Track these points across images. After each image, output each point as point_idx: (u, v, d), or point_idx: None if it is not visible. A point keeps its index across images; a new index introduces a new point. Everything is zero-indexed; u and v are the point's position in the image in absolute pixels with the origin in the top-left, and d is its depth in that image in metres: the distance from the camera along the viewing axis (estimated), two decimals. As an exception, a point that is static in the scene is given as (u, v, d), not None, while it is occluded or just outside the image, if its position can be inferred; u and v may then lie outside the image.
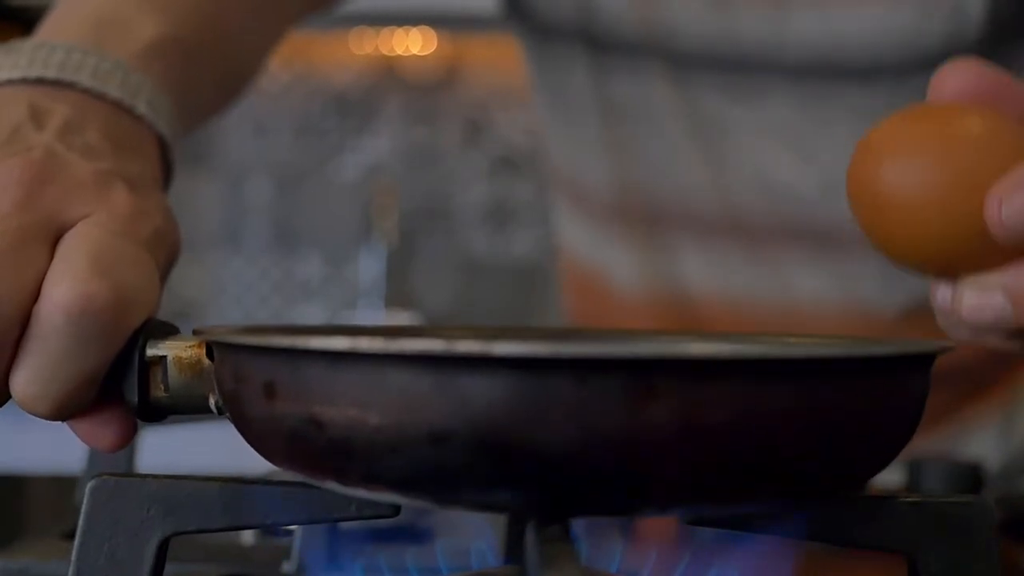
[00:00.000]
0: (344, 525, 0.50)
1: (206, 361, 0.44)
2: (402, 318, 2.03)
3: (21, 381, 0.43)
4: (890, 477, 0.67)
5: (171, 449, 0.87)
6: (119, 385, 0.45)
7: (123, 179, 0.48)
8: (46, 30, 0.56)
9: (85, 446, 0.48)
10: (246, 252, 2.15)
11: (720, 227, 0.85)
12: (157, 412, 0.45)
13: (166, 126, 0.54)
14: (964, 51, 0.78)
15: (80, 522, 0.42)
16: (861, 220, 0.45)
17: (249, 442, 0.41)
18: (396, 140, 2.15)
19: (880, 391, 0.39)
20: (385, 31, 2.11)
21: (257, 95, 2.04)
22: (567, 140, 0.91)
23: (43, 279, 0.43)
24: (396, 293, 2.10)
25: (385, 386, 0.36)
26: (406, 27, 2.09)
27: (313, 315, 2.13)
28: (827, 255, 0.82)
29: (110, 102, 0.51)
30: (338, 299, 2.14)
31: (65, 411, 0.44)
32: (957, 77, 0.46)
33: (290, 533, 0.51)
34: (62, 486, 0.66)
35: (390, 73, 2.14)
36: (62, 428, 0.46)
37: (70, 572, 0.42)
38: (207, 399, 0.44)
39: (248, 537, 0.55)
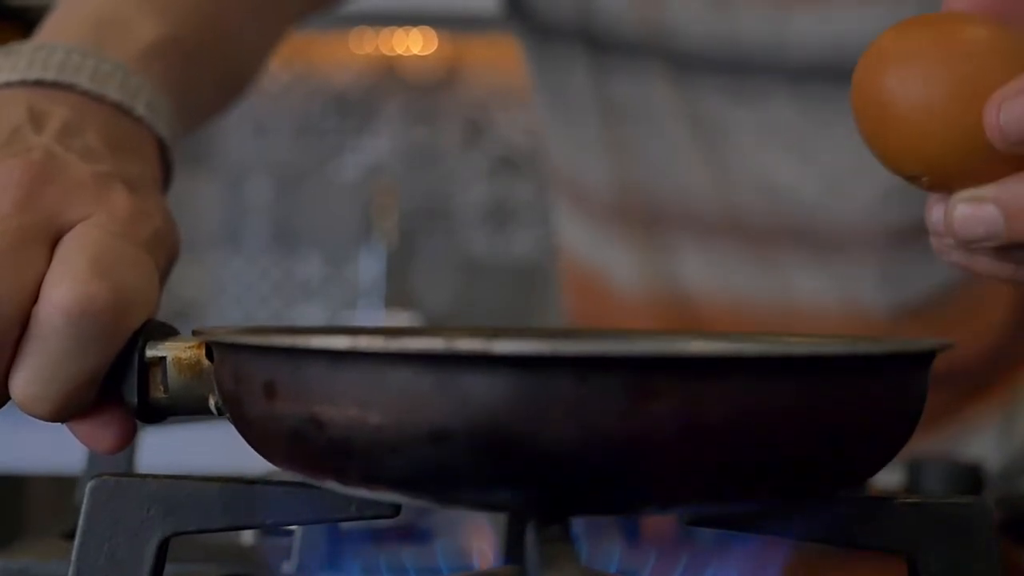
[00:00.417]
0: (344, 525, 0.50)
1: (206, 362, 0.44)
2: (402, 318, 2.02)
3: (21, 382, 0.43)
4: (890, 477, 0.67)
5: (171, 449, 0.87)
6: (119, 386, 0.45)
7: (122, 180, 0.48)
8: (46, 31, 0.56)
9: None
10: (246, 252, 2.15)
11: (720, 228, 0.85)
12: (157, 413, 0.45)
13: (165, 128, 0.54)
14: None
15: (80, 522, 0.42)
16: (863, 129, 0.45)
17: (249, 442, 0.41)
18: (396, 140, 2.15)
19: (880, 389, 0.39)
20: (385, 31, 2.11)
21: (257, 95, 2.04)
22: (567, 140, 0.91)
23: (43, 280, 0.43)
24: (396, 293, 2.10)
25: (385, 385, 0.36)
26: (406, 27, 2.09)
27: (313, 315, 2.13)
28: (827, 256, 0.82)
29: (109, 104, 0.51)
30: (338, 299, 2.14)
31: (64, 412, 0.44)
32: None
33: (290, 533, 0.51)
34: (62, 486, 0.66)
35: (390, 73, 2.14)
36: (62, 428, 0.46)
37: (70, 572, 0.42)
38: (207, 400, 0.44)
39: (248, 537, 0.55)
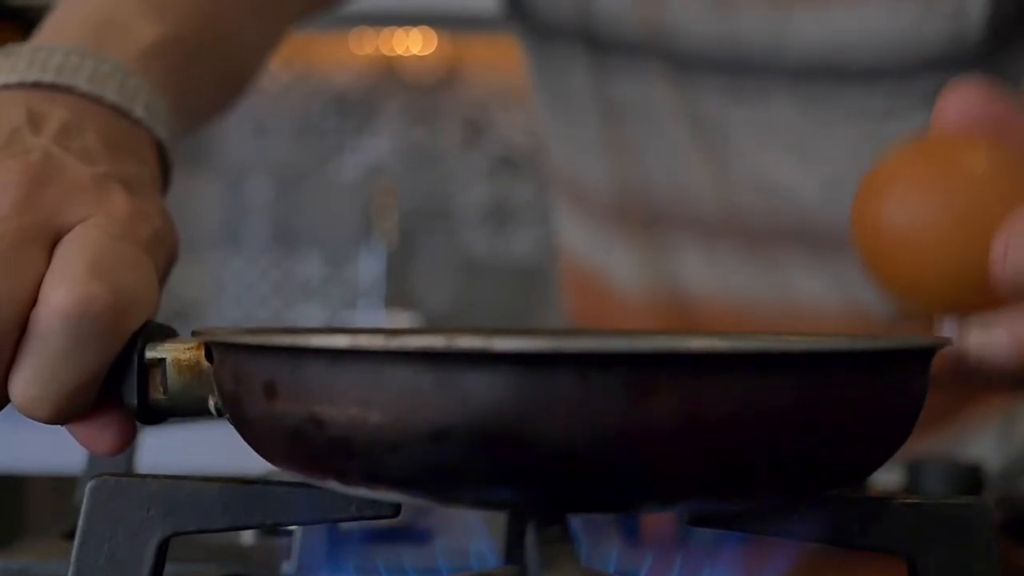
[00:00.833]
0: (344, 525, 0.50)
1: (205, 363, 0.44)
2: (402, 318, 2.03)
3: (20, 384, 0.43)
4: (890, 478, 0.67)
5: (171, 449, 0.87)
6: (118, 387, 0.45)
7: (121, 182, 0.48)
8: (45, 32, 0.56)
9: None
10: (246, 252, 2.15)
11: (720, 228, 0.85)
12: (156, 414, 0.45)
13: (164, 129, 0.54)
14: (965, 53, 0.78)
15: (80, 522, 0.42)
16: (864, 256, 0.46)
17: (249, 443, 0.41)
18: (396, 140, 2.15)
19: (880, 386, 0.39)
20: (385, 31, 2.11)
21: (257, 95, 2.04)
22: (567, 140, 0.91)
23: (41, 282, 0.43)
24: (396, 293, 2.10)
25: (386, 384, 0.36)
26: (406, 27, 2.09)
27: (313, 315, 2.13)
28: (827, 257, 0.82)
29: (107, 105, 0.51)
30: (338, 299, 2.14)
31: (64, 414, 0.44)
32: (960, 102, 0.45)
33: (290, 533, 0.51)
34: (62, 486, 0.66)
35: (390, 73, 2.14)
36: (62, 428, 0.46)
37: (70, 572, 0.41)
38: (206, 401, 0.44)
39: (248, 537, 0.55)
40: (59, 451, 0.66)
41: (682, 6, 0.81)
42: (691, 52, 0.82)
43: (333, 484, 0.39)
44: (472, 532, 0.51)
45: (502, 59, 2.07)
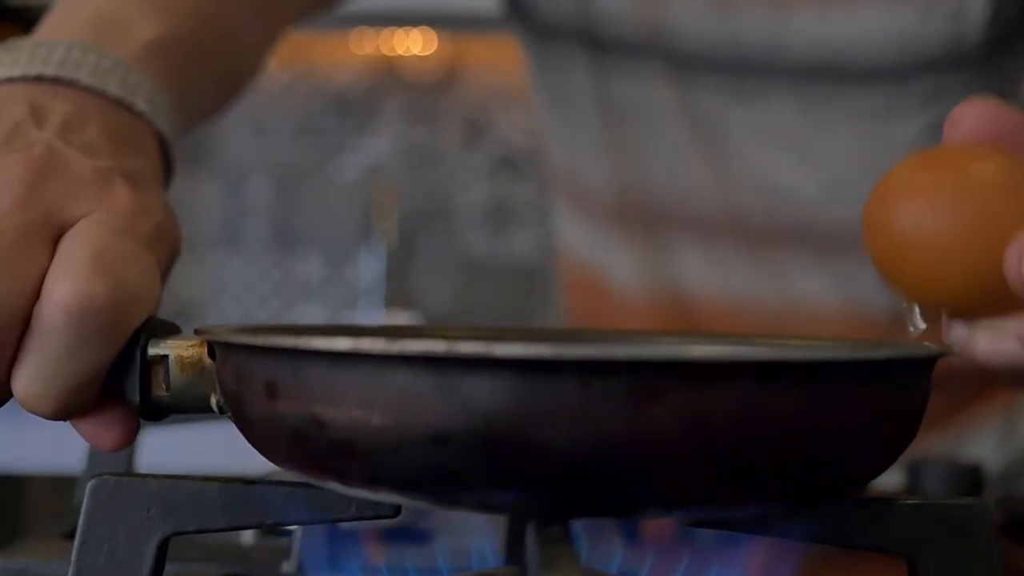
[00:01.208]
0: (344, 525, 0.50)
1: (208, 360, 0.44)
2: (402, 318, 2.02)
3: (23, 380, 0.43)
4: (891, 478, 0.67)
5: (171, 449, 0.87)
6: (121, 384, 0.45)
7: (124, 176, 0.48)
8: (45, 30, 0.56)
9: (85, 446, 0.47)
10: (246, 252, 2.15)
11: (720, 228, 0.85)
12: (158, 411, 0.45)
13: (166, 124, 0.54)
14: (965, 54, 0.78)
15: (80, 522, 0.42)
16: (877, 262, 0.46)
17: (250, 442, 0.41)
18: (396, 140, 2.15)
19: (882, 394, 0.39)
20: (385, 31, 2.11)
21: (257, 95, 2.04)
22: (567, 140, 0.91)
23: (44, 277, 0.43)
24: (396, 293, 2.10)
25: (387, 387, 0.36)
26: (406, 27, 2.09)
27: (313, 315, 2.13)
28: (827, 257, 0.82)
29: (109, 99, 0.51)
30: (338, 299, 2.14)
31: (67, 410, 0.44)
32: (972, 117, 0.46)
33: (290, 533, 0.51)
34: (62, 486, 0.66)
35: (390, 73, 2.14)
36: (62, 428, 0.46)
37: (70, 572, 0.41)
38: (208, 398, 0.44)
39: (248, 537, 0.55)
40: (59, 451, 0.66)
41: (682, 6, 0.81)
42: (691, 52, 0.82)
43: (334, 485, 0.39)
44: (473, 532, 0.51)
45: (502, 59, 2.07)
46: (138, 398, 0.44)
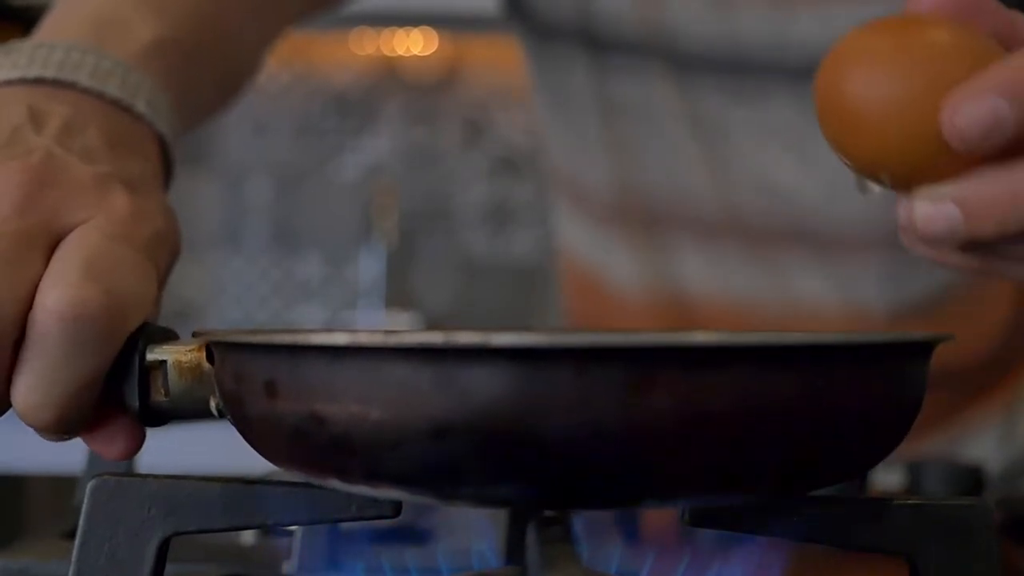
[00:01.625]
0: (344, 525, 0.50)
1: (206, 364, 0.44)
2: (402, 318, 2.02)
3: (22, 387, 0.43)
4: (891, 478, 0.67)
5: (171, 449, 0.87)
6: (120, 390, 0.45)
7: (122, 182, 0.48)
8: (45, 31, 0.56)
9: (85, 446, 0.48)
10: (246, 252, 2.15)
11: (720, 228, 0.85)
12: (158, 417, 0.45)
13: (166, 125, 0.54)
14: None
15: (80, 522, 0.42)
16: (826, 131, 0.45)
17: (250, 443, 0.41)
18: (396, 140, 2.15)
19: (880, 380, 0.39)
20: (386, 31, 2.11)
21: (257, 95, 2.04)
22: (567, 140, 0.91)
23: (39, 283, 0.43)
24: (396, 293, 2.10)
25: (385, 381, 0.36)
26: (407, 27, 2.09)
27: (313, 315, 2.13)
28: (827, 257, 0.82)
29: (109, 101, 0.51)
30: (338, 299, 2.14)
31: (66, 421, 0.44)
32: None
33: (290, 533, 0.51)
34: (62, 486, 0.66)
35: (390, 73, 2.14)
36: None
37: (70, 572, 0.42)
38: (208, 403, 0.44)
39: (248, 537, 0.55)
40: (59, 451, 0.65)
41: (682, 6, 0.81)
42: (691, 52, 0.82)
43: (334, 483, 0.39)
44: (473, 532, 0.51)
45: (502, 59, 2.07)
46: (137, 404, 0.44)
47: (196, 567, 0.50)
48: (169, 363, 0.44)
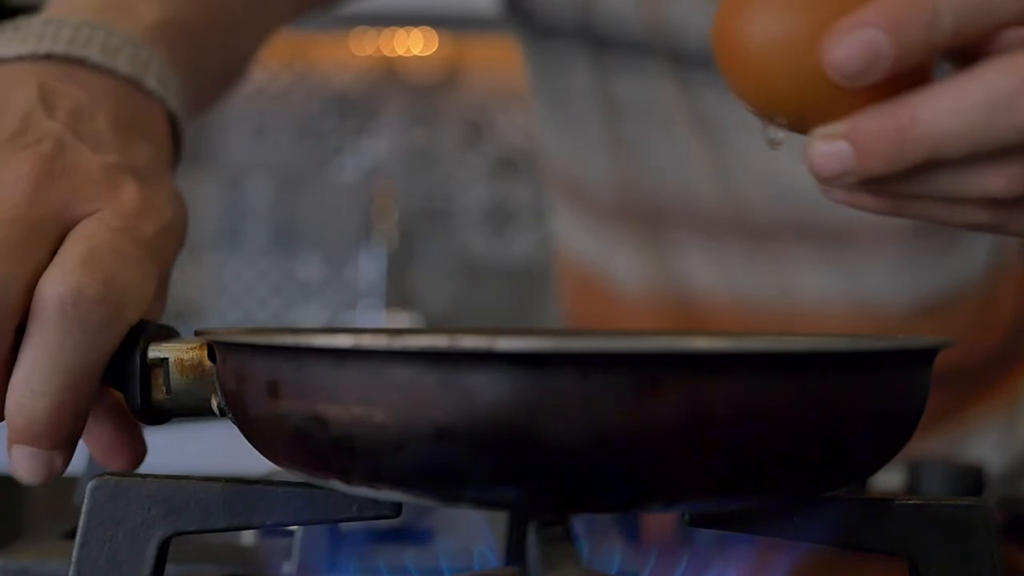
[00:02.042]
0: (345, 526, 0.50)
1: (208, 363, 0.44)
2: (402, 319, 2.02)
3: (20, 376, 0.43)
4: (891, 479, 0.67)
5: (171, 449, 0.87)
6: (121, 388, 0.45)
7: (131, 171, 0.48)
8: (52, 9, 0.56)
9: (85, 445, 0.48)
10: (246, 253, 2.15)
11: (724, 225, 0.84)
12: (159, 415, 0.45)
13: (176, 102, 0.54)
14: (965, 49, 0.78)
15: (80, 522, 0.42)
16: (724, 75, 0.45)
17: (252, 443, 0.41)
18: (396, 141, 2.15)
19: (883, 385, 0.39)
20: (386, 32, 2.11)
21: (257, 95, 2.04)
22: (567, 140, 0.91)
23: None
24: (396, 294, 2.10)
25: (389, 383, 0.36)
26: (407, 28, 2.09)
27: (313, 316, 2.13)
28: (832, 253, 0.82)
29: (120, 78, 0.51)
30: (338, 300, 2.14)
31: (60, 417, 0.44)
32: None
33: (290, 533, 0.51)
34: (62, 486, 0.66)
35: (390, 74, 2.14)
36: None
37: (70, 572, 0.41)
38: (209, 401, 0.44)
39: (248, 537, 0.55)
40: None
41: (684, 4, 0.81)
42: (693, 49, 0.82)
43: (336, 483, 0.39)
44: (474, 532, 0.51)
45: (502, 59, 2.07)
46: (138, 402, 0.44)
47: (196, 567, 0.50)
48: (170, 361, 0.44)
